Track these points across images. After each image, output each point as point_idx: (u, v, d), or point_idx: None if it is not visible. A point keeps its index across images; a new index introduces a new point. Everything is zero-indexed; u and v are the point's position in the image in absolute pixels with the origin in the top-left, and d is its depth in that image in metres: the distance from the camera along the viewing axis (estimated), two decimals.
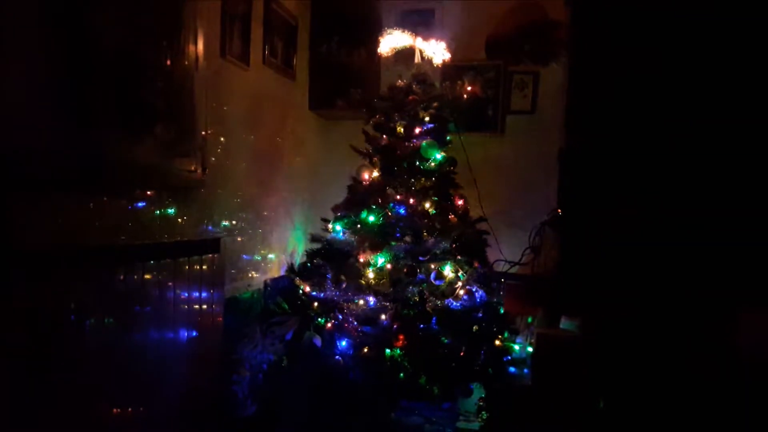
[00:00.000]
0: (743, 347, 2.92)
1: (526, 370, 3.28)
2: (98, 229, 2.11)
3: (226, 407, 2.83)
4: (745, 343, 2.93)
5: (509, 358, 3.28)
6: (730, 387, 2.83)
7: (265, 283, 3.44)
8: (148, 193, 2.42)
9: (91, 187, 2.10)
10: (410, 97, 3.53)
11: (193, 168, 2.69)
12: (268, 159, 3.77)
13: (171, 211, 2.59)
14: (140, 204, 2.38)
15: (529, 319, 3.64)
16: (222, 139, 3.09)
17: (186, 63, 2.66)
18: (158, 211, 2.51)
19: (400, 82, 3.63)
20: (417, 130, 3.47)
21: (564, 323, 3.32)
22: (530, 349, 3.35)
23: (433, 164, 3.44)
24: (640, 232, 3.52)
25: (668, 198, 3.45)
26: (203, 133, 2.79)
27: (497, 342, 3.26)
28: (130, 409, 2.25)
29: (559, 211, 4.03)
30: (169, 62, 2.53)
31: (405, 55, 3.69)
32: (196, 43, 2.74)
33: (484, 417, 3.00)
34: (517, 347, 3.39)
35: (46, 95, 1.89)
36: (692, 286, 3.21)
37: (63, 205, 1.99)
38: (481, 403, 3.03)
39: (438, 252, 3.29)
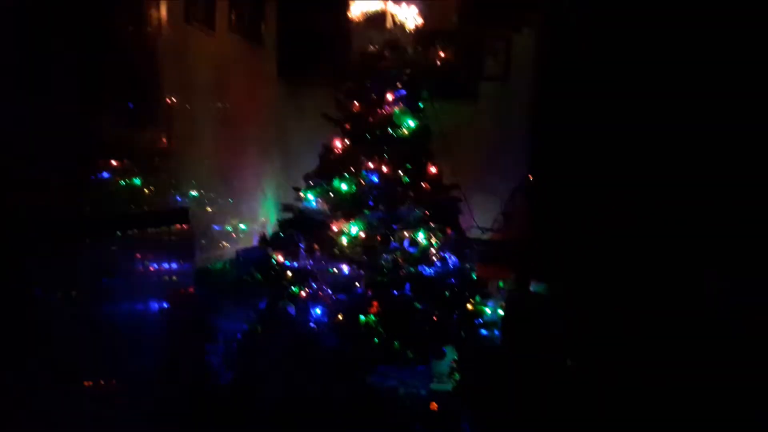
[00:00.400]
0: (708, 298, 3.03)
1: (497, 332, 3.34)
2: (61, 201, 2.07)
3: (201, 377, 2.84)
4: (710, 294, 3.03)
5: (481, 321, 3.33)
6: (694, 342, 2.92)
7: (237, 254, 3.42)
8: (113, 163, 2.37)
9: (54, 158, 2.05)
10: (382, 64, 3.49)
11: (158, 137, 2.65)
12: (236, 127, 3.71)
13: (137, 181, 2.54)
14: (104, 174, 2.33)
15: (501, 284, 3.70)
16: (188, 106, 3.03)
17: (148, 29, 2.59)
18: (123, 182, 2.46)
19: (371, 48, 3.58)
20: (389, 98, 3.43)
21: (534, 286, 3.37)
22: (501, 312, 3.40)
23: (406, 132, 3.43)
24: (608, 197, 3.58)
25: (637, 163, 3.51)
26: (168, 101, 2.73)
27: (469, 306, 3.31)
28: (101, 382, 2.24)
29: (530, 177, 4.08)
30: (130, 28, 2.46)
31: (376, 20, 3.63)
32: (158, 8, 2.66)
33: (457, 378, 3.05)
34: (488, 311, 3.44)
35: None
36: (658, 246, 3.28)
37: (27, 176, 1.94)
38: (454, 365, 3.08)
39: (411, 219, 3.30)
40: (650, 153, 3.43)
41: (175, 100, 2.79)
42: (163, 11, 2.69)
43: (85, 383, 2.14)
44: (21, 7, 1.89)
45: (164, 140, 2.66)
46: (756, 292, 2.95)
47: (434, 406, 2.90)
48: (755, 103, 3.24)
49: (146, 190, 2.54)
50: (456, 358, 3.11)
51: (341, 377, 2.91)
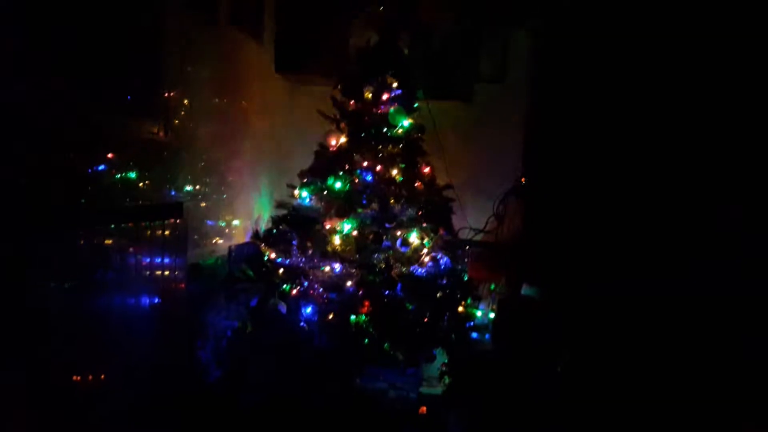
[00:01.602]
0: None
1: (487, 336, 3.35)
2: (57, 193, 2.03)
3: (190, 373, 2.82)
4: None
5: (472, 324, 3.34)
6: (685, 344, 2.95)
7: (230, 250, 3.40)
8: (109, 155, 2.34)
9: (47, 148, 2.02)
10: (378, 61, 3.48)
11: (155, 130, 2.61)
12: (233, 122, 3.68)
13: (132, 174, 2.51)
14: (100, 167, 2.30)
15: (492, 286, 3.71)
16: (186, 101, 3.00)
17: (152, 18, 2.55)
18: (119, 175, 2.43)
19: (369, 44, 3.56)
20: (385, 96, 3.43)
21: (525, 290, 3.39)
22: (492, 315, 3.41)
23: (400, 131, 3.42)
24: (602, 200, 3.60)
25: (632, 165, 3.52)
26: (167, 93, 2.70)
27: (460, 308, 3.32)
28: (91, 376, 2.22)
29: (523, 179, 4.09)
30: (132, 19, 2.42)
31: (374, 17, 3.62)
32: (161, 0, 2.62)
33: (447, 382, 3.06)
34: (479, 313, 3.45)
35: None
36: (650, 249, 3.31)
37: (19, 168, 1.91)
38: (444, 369, 3.09)
39: (404, 219, 3.30)
40: (646, 155, 3.44)
41: (173, 93, 2.75)
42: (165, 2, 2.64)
43: (74, 378, 2.12)
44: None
45: (161, 133, 2.62)
46: None
47: (423, 409, 2.91)
48: (746, 109, 3.27)
49: (141, 184, 2.51)
50: (446, 361, 3.12)
51: (330, 378, 2.90)
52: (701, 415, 2.70)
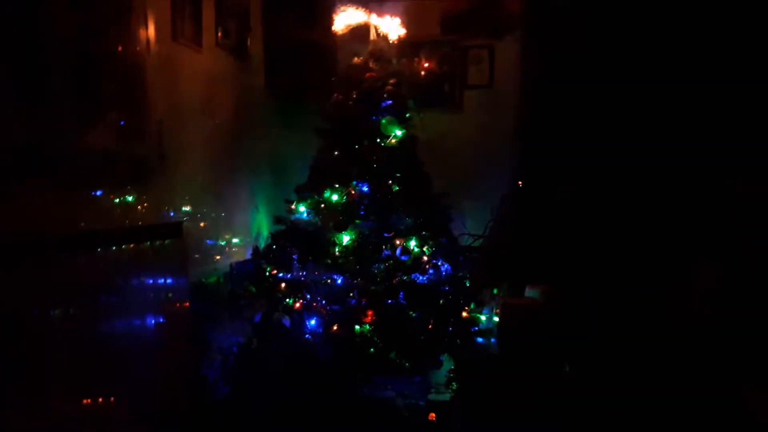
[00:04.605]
0: (697, 298, 3.08)
1: (493, 340, 3.35)
2: (57, 218, 2.06)
3: (198, 391, 2.81)
4: (698, 292, 3.08)
5: (476, 329, 3.34)
6: (687, 343, 2.96)
7: (231, 267, 3.42)
8: (106, 180, 2.36)
9: (47, 175, 2.05)
10: (367, 75, 3.52)
11: (149, 153, 2.64)
12: (226, 142, 3.71)
13: (130, 198, 2.54)
14: (98, 192, 2.33)
15: (495, 291, 3.71)
16: (177, 123, 3.03)
17: (137, 48, 2.60)
18: (117, 199, 2.46)
19: (356, 60, 3.61)
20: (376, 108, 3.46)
21: (528, 292, 3.39)
22: (496, 320, 3.42)
23: (393, 141, 3.46)
24: (598, 200, 3.63)
25: (625, 166, 3.56)
26: (158, 117, 2.73)
27: (464, 314, 3.33)
28: (100, 399, 2.22)
29: (520, 183, 4.12)
30: (120, 48, 2.47)
31: (360, 32, 3.67)
32: (146, 28, 2.67)
33: (454, 388, 3.05)
34: (483, 318, 3.45)
35: None
36: (649, 248, 3.33)
37: (20, 195, 1.94)
38: (451, 375, 3.09)
39: (402, 228, 3.33)
40: (637, 156, 3.49)
41: (164, 117, 2.79)
42: (152, 30, 2.70)
43: (84, 401, 2.12)
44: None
45: (155, 156, 2.65)
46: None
47: (432, 416, 2.91)
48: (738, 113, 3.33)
49: (139, 207, 2.53)
50: (453, 367, 3.12)
51: (338, 388, 2.91)
52: (702, 378, 2.70)
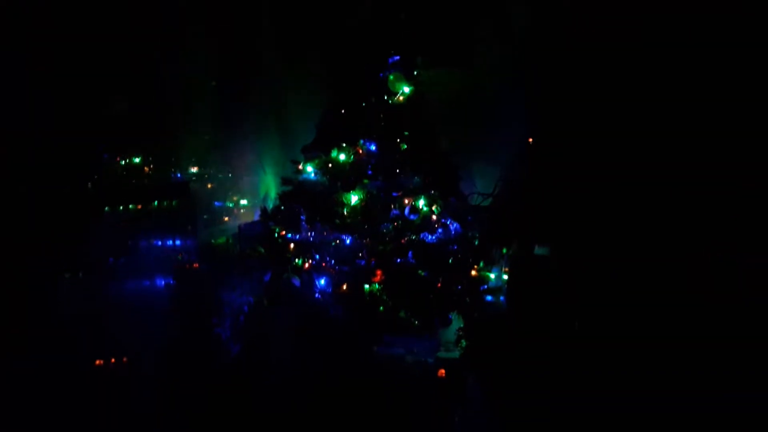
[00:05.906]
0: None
1: (502, 298, 3.35)
2: (68, 180, 2.05)
3: (210, 349, 2.85)
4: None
5: (486, 287, 3.34)
6: (699, 301, 2.94)
7: (240, 228, 3.41)
8: (114, 142, 2.34)
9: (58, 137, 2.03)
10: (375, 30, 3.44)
11: (156, 112, 2.61)
12: (233, 100, 3.65)
13: (136, 159, 2.52)
14: (105, 155, 2.31)
15: (504, 249, 3.69)
16: (186, 82, 2.98)
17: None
18: (123, 161, 2.44)
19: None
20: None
21: (538, 249, 3.37)
22: (506, 278, 3.41)
23: (401, 98, 3.39)
24: (611, 157, 3.56)
25: (639, 118, 3.48)
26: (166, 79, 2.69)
27: (473, 272, 3.31)
28: (113, 360, 2.25)
29: (531, 140, 4.03)
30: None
31: None
32: None
33: (464, 345, 3.07)
34: (492, 276, 3.44)
35: None
36: (659, 204, 3.28)
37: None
38: (460, 333, 3.10)
39: (411, 187, 3.29)
40: (650, 108, 3.40)
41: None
42: None
43: (97, 362, 2.15)
44: None
45: (163, 118, 2.62)
46: None
47: (442, 372, 2.93)
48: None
49: (146, 168, 2.52)
50: (462, 325, 3.12)
51: (348, 346, 2.93)
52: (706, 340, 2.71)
